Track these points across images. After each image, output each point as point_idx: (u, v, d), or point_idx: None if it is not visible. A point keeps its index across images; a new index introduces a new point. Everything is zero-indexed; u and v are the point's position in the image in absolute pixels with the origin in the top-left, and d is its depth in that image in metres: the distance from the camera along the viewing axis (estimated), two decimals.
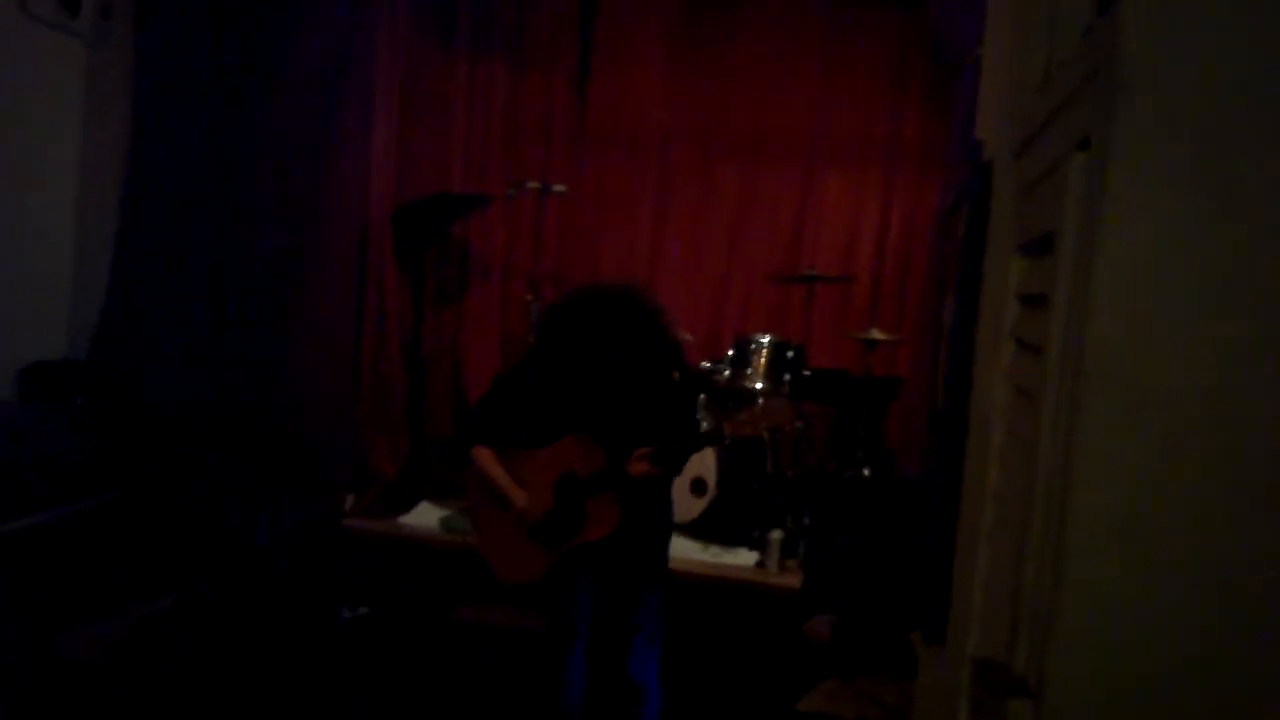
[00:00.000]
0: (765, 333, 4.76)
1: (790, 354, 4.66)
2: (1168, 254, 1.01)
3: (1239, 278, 1.00)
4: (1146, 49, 0.99)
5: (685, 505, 4.34)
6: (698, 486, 4.42)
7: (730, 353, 4.73)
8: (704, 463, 4.36)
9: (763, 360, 4.64)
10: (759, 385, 4.62)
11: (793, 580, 4.09)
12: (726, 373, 4.70)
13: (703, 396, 4.60)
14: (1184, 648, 1.06)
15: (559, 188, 5.02)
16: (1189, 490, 1.04)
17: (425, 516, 4.67)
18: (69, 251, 4.50)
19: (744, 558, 4.34)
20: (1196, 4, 1.00)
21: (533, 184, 5.01)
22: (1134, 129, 1.00)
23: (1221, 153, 1.00)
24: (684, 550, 4.26)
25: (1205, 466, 1.03)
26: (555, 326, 2.97)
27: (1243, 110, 0.99)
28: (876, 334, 4.74)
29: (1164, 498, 1.05)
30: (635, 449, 2.76)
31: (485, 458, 2.98)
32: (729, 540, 4.45)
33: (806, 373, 4.72)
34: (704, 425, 3.13)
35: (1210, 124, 1.00)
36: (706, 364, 4.80)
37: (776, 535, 4.23)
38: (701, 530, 4.44)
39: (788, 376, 4.64)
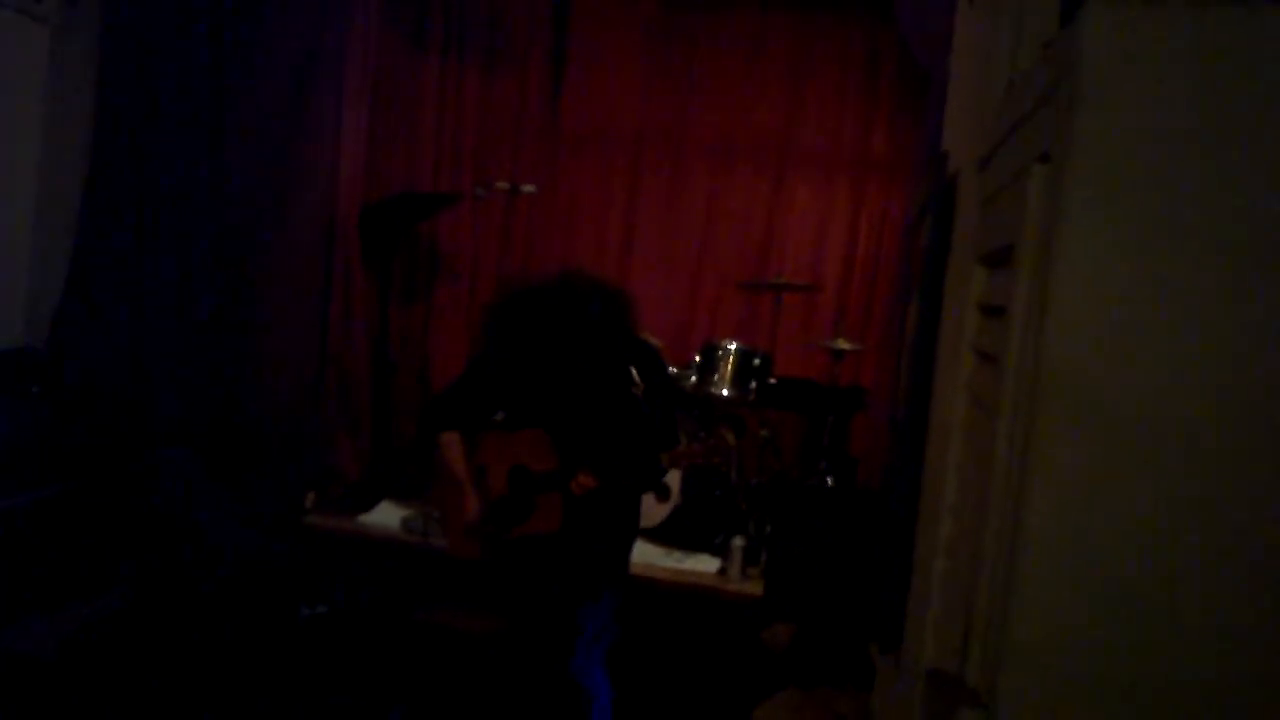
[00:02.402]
0: (732, 339, 4.76)
1: (757, 361, 4.67)
2: (1123, 267, 1.02)
3: (1192, 292, 1.01)
4: (1106, 65, 0.99)
5: (648, 510, 4.33)
6: (661, 491, 4.42)
7: (697, 359, 4.73)
8: None
9: (729, 367, 4.65)
10: (725, 392, 4.62)
11: (754, 588, 4.09)
12: (693, 379, 4.70)
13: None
14: (1133, 662, 1.06)
15: (528, 188, 5.00)
16: (1141, 505, 1.04)
17: (386, 516, 4.63)
18: (28, 238, 4.42)
19: (706, 564, 4.33)
20: (1155, 23, 1.00)
21: (502, 184, 4.98)
22: (1091, 144, 1.00)
23: (1176, 168, 1.00)
24: (646, 555, 4.25)
25: (1157, 481, 1.04)
26: (493, 328, 2.95)
27: (1197, 128, 1.00)
28: (843, 344, 4.75)
29: (1116, 512, 1.05)
30: (587, 457, 2.76)
31: (449, 444, 2.95)
32: (691, 545, 4.44)
33: (772, 381, 4.73)
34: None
35: (1165, 140, 1.00)
36: (673, 370, 4.79)
37: (739, 542, 4.23)
38: (664, 535, 4.43)
39: (753, 384, 4.65)
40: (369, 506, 4.73)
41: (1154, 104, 1.00)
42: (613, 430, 2.85)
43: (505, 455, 2.92)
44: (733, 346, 4.68)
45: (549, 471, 2.82)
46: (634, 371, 2.91)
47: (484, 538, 2.91)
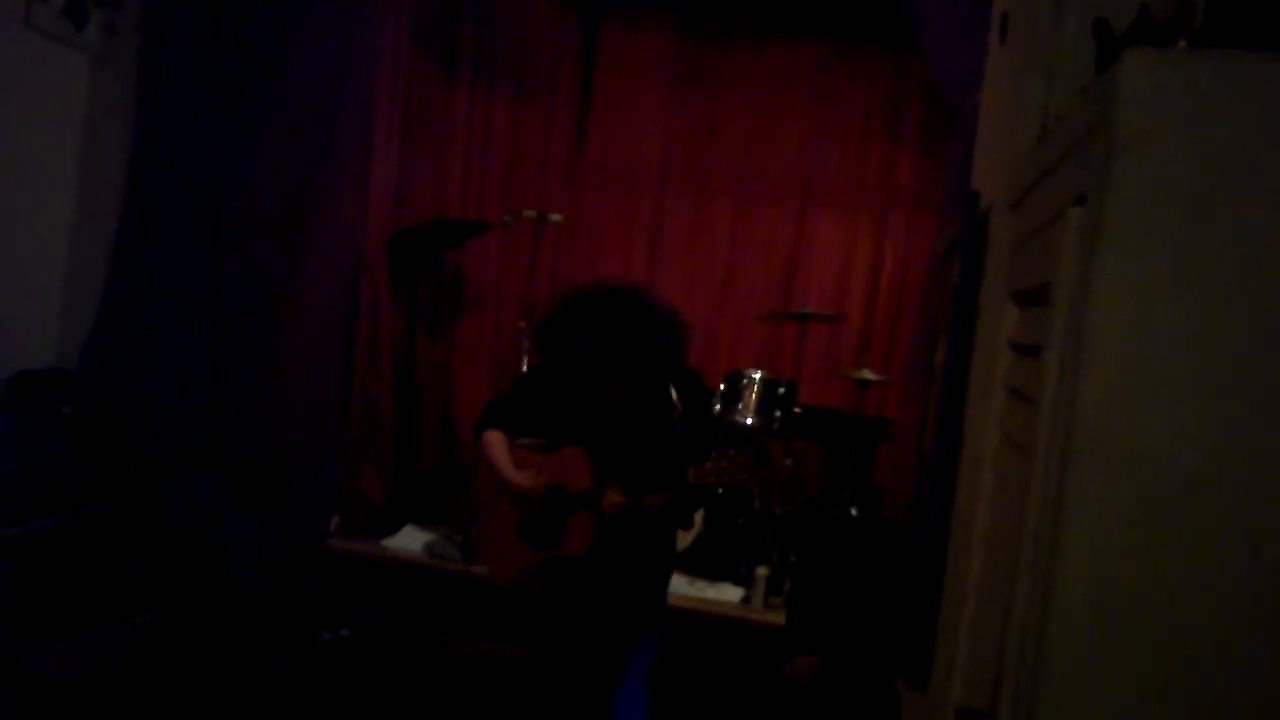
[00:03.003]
0: (757, 368, 4.77)
1: (781, 390, 4.67)
2: (1160, 311, 1.03)
3: (1228, 338, 1.01)
4: (1143, 111, 1.01)
5: None
6: (685, 520, 4.42)
7: (721, 387, 4.74)
8: None
9: (753, 396, 4.65)
10: (749, 420, 4.62)
11: (778, 618, 4.07)
12: (717, 407, 4.70)
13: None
14: (1168, 707, 1.06)
15: (555, 217, 5.04)
16: (1176, 549, 1.04)
17: (410, 540, 4.65)
18: (63, 261, 4.49)
19: (729, 593, 4.32)
20: (1192, 70, 1.01)
21: (529, 213, 5.03)
22: (1129, 190, 1.01)
23: (1213, 214, 1.01)
24: (670, 584, 4.24)
25: (1194, 526, 1.04)
26: (549, 332, 2.96)
27: (1233, 173, 1.01)
28: (867, 374, 4.75)
29: (1151, 557, 1.05)
30: (618, 474, 2.75)
31: (494, 441, 2.94)
32: (715, 575, 4.44)
33: (797, 410, 4.73)
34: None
35: (1202, 185, 1.01)
36: None
37: (763, 571, 4.22)
38: (688, 564, 4.43)
39: (778, 413, 4.65)
40: (393, 530, 4.76)
41: (1191, 149, 1.01)
42: (642, 446, 2.84)
43: (541, 474, 2.91)
44: (757, 375, 4.68)
45: (583, 491, 2.81)
46: (674, 393, 2.89)
47: (523, 550, 2.90)
